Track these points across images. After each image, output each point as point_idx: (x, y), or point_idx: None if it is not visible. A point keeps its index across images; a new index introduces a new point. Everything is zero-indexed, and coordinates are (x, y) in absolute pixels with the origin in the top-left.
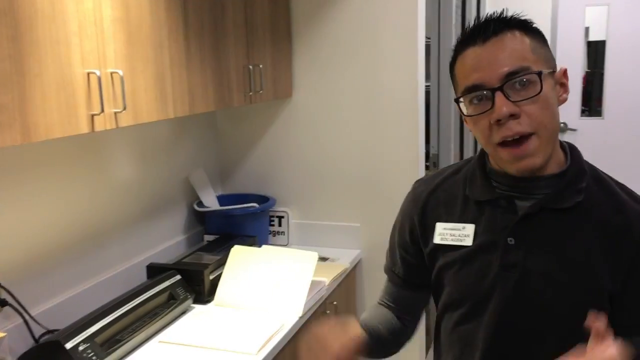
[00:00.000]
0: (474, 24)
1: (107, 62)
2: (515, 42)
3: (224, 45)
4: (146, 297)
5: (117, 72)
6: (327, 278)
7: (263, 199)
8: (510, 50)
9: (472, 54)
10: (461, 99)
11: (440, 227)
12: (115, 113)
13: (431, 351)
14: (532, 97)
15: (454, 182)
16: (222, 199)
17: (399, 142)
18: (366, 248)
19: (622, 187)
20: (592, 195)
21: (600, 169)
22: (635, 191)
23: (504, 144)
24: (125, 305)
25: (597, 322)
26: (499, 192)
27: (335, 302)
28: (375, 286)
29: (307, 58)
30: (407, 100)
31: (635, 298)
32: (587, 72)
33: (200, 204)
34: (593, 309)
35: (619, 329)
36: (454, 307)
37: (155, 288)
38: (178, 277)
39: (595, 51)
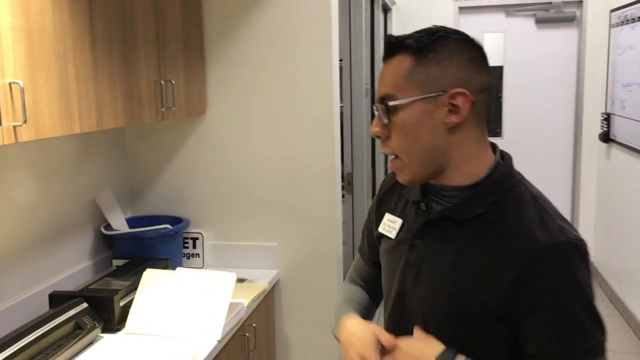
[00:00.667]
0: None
1: (5, 72)
2: (396, 67)
3: (134, 59)
4: (49, 327)
5: (16, 83)
6: (245, 299)
7: (176, 221)
8: (387, 76)
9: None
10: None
11: (386, 217)
12: (15, 127)
13: None
14: (389, 122)
15: None
16: (131, 222)
17: (315, 160)
18: (284, 268)
19: (542, 210)
20: (500, 212)
21: (537, 190)
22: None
23: None
24: (27, 337)
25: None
26: (421, 195)
27: (254, 324)
28: (295, 306)
29: (221, 75)
30: (323, 119)
31: (520, 330)
32: None
33: (108, 226)
34: (469, 322)
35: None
36: (383, 290)
37: (60, 317)
38: (84, 305)
39: (493, 76)
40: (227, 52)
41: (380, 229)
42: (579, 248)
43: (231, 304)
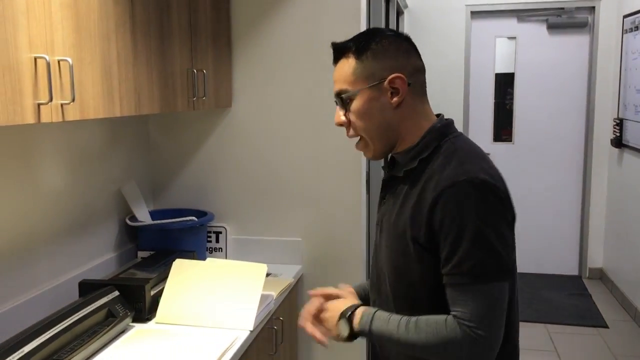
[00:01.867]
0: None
1: (55, 49)
2: (344, 67)
3: (170, 46)
4: (83, 314)
5: (66, 60)
6: (274, 292)
7: (199, 214)
8: (338, 75)
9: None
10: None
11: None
12: (62, 105)
13: None
14: (347, 112)
15: None
16: (154, 214)
17: (340, 156)
18: (308, 263)
19: (455, 158)
20: (430, 166)
21: (465, 144)
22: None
23: None
24: (61, 323)
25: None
26: (385, 163)
27: (281, 318)
28: None
29: (247, 68)
30: None
31: (436, 253)
32: (498, 102)
33: (133, 218)
34: (403, 257)
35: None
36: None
37: (93, 305)
38: (116, 293)
39: (504, 82)
40: (253, 46)
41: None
42: (478, 185)
43: (262, 296)
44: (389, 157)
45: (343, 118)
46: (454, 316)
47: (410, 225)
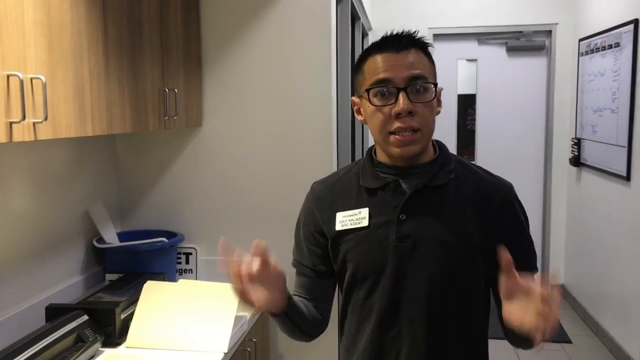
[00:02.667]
0: (388, 36)
1: (27, 66)
2: (419, 56)
3: (142, 65)
4: (51, 340)
5: (38, 78)
6: (247, 313)
7: (168, 235)
8: (414, 61)
9: (384, 57)
10: (370, 90)
11: (340, 216)
12: (35, 123)
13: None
14: (427, 102)
15: (348, 178)
16: (122, 236)
17: (312, 175)
18: None
19: (479, 167)
20: (459, 175)
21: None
22: None
23: (396, 132)
24: (28, 350)
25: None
26: (387, 179)
27: (254, 340)
28: None
29: (218, 87)
30: (321, 134)
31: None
32: (460, 122)
33: (101, 240)
34: (469, 261)
35: (488, 280)
36: (360, 282)
37: (61, 330)
38: (85, 317)
39: (466, 103)
40: (224, 65)
41: (340, 228)
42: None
43: (235, 317)
44: (371, 171)
45: (413, 106)
46: None
47: (474, 230)
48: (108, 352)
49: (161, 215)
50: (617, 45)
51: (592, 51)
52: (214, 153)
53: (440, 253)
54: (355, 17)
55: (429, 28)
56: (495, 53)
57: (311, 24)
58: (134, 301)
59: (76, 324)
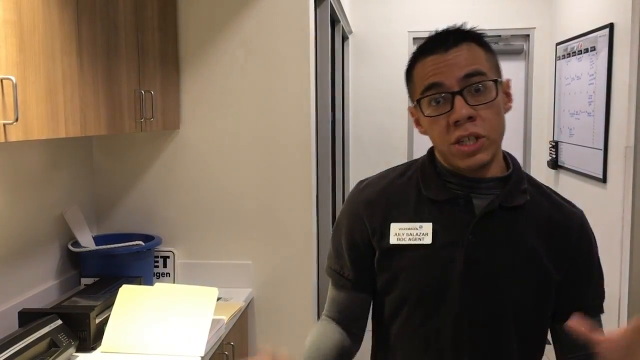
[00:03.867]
0: (433, 36)
1: None
2: (472, 51)
3: (116, 66)
4: (23, 345)
5: (9, 79)
6: (224, 316)
7: (145, 239)
8: (467, 57)
9: (433, 60)
10: (421, 100)
11: (395, 227)
12: (5, 125)
13: None
14: (488, 102)
15: (403, 183)
16: (98, 240)
17: (291, 178)
18: (258, 286)
19: (552, 191)
20: (533, 196)
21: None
22: None
23: (458, 142)
24: (0, 355)
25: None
26: (455, 191)
27: (232, 343)
28: (269, 325)
29: (195, 89)
30: (299, 137)
31: (572, 286)
32: None
33: (76, 244)
34: (543, 294)
35: (560, 315)
36: (413, 306)
37: (34, 335)
38: (58, 322)
39: None
40: (202, 67)
41: (395, 242)
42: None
43: (212, 320)
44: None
45: (472, 110)
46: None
47: (551, 258)
48: (82, 357)
49: (138, 219)
50: (593, 49)
51: (568, 55)
52: (191, 155)
53: (513, 283)
54: (334, 21)
55: (409, 31)
56: None
57: (289, 27)
58: (109, 305)
59: (49, 329)
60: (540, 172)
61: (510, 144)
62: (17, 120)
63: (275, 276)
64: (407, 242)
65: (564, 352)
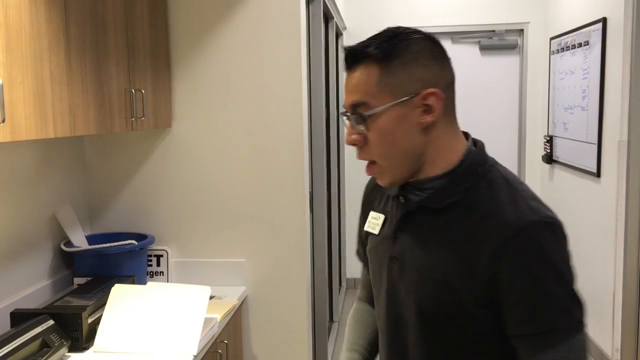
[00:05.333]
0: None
1: None
2: (365, 74)
3: (106, 65)
4: (15, 345)
5: None
6: (217, 314)
7: (139, 238)
8: (356, 83)
9: (346, 78)
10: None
11: (370, 215)
12: None
13: None
14: (368, 131)
15: None
16: (91, 239)
17: (284, 176)
18: (252, 284)
19: (514, 192)
20: (475, 197)
21: (510, 173)
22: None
23: None
24: None
25: None
26: (395, 190)
27: (226, 341)
28: (263, 324)
29: (187, 88)
30: (292, 134)
31: (497, 306)
32: None
33: (69, 243)
34: (451, 305)
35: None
36: (374, 289)
37: (26, 335)
38: (51, 322)
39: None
40: (193, 66)
41: (366, 227)
42: (552, 226)
43: (205, 319)
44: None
45: (357, 136)
46: None
47: (463, 273)
48: (75, 357)
49: (131, 218)
50: (587, 43)
51: (562, 49)
52: (183, 154)
53: (420, 286)
54: (328, 17)
55: None
56: (469, 52)
57: (281, 24)
58: (101, 305)
59: (41, 329)
60: (535, 166)
61: (505, 138)
62: (4, 121)
63: (269, 274)
64: (369, 229)
65: None
